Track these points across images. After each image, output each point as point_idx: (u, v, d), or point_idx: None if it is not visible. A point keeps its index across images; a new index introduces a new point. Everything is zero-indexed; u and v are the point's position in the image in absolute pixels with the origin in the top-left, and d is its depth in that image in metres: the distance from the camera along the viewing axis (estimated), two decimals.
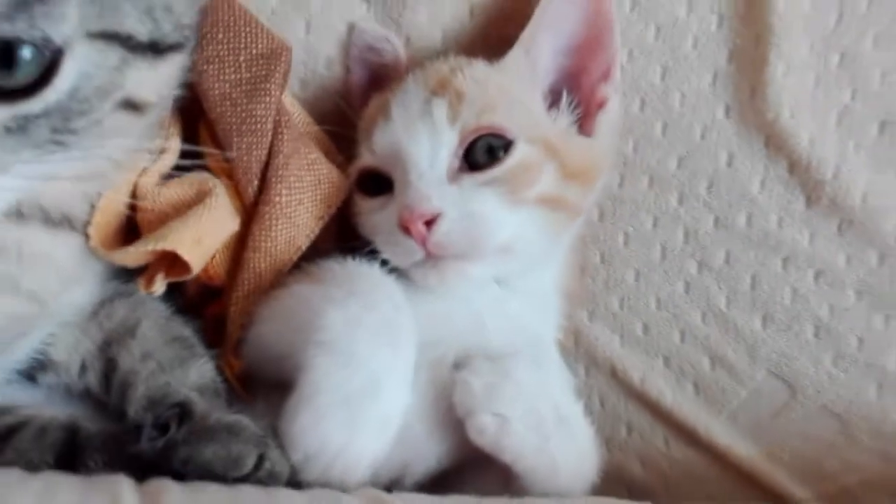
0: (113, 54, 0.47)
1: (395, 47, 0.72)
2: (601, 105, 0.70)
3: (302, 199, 0.63)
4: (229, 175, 0.63)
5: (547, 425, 0.61)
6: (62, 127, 0.47)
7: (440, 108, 0.64)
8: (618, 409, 0.82)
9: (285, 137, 0.62)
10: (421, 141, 0.64)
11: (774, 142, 0.74)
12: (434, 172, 0.64)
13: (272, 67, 0.61)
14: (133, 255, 0.58)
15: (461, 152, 0.65)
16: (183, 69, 0.54)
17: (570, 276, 0.77)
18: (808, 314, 0.77)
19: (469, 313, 0.66)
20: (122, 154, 0.54)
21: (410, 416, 0.59)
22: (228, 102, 0.61)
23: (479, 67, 0.68)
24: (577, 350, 0.82)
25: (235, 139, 0.61)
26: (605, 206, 0.79)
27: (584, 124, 0.70)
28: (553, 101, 0.69)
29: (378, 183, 0.67)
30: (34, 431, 0.56)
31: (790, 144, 0.74)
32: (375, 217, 0.66)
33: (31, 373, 0.62)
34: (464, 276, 0.65)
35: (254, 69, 0.61)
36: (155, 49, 0.48)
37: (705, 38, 0.73)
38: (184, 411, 0.56)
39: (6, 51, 0.43)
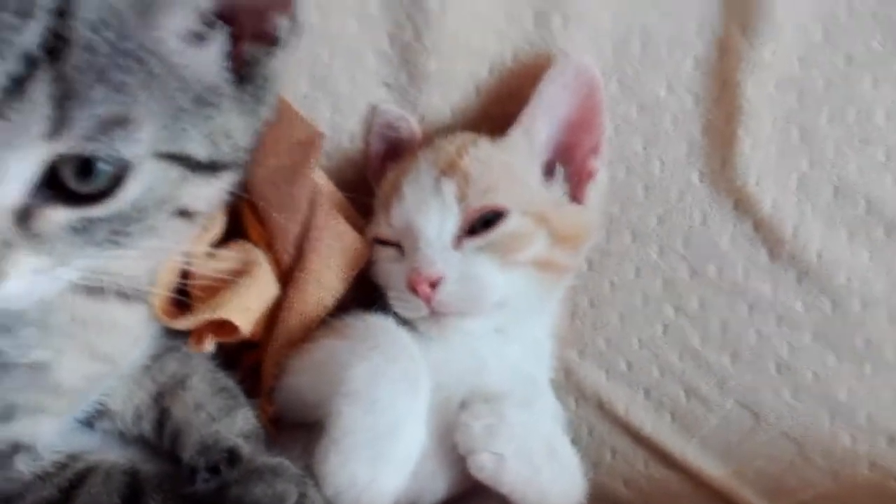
0: (174, 172, 0.53)
1: (411, 125, 0.79)
2: (590, 176, 0.79)
3: (330, 264, 0.71)
4: (268, 245, 0.70)
5: (538, 459, 0.69)
6: (120, 230, 0.52)
7: (449, 189, 0.72)
8: (603, 436, 0.91)
9: (318, 213, 0.70)
10: (431, 217, 0.72)
11: (742, 204, 0.84)
12: (440, 241, 0.72)
13: (308, 154, 0.69)
14: (191, 322, 0.65)
15: (465, 225, 0.73)
16: (235, 183, 0.60)
17: (561, 321, 0.86)
18: (770, 353, 0.87)
19: (471, 359, 0.74)
20: (174, 248, 0.61)
21: (422, 452, 0.67)
22: (270, 185, 0.68)
23: (483, 147, 0.76)
24: (568, 384, 0.91)
25: (275, 215, 0.69)
26: (594, 258, 0.88)
27: (575, 193, 0.79)
28: (548, 171, 0.78)
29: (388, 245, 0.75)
30: (102, 477, 0.62)
31: (755, 207, 0.83)
32: (388, 267, 0.74)
33: (90, 419, 0.69)
34: (463, 330, 0.73)
35: (293, 156, 0.69)
36: (212, 168, 0.55)
37: (682, 114, 0.82)
38: (233, 456, 0.63)
39: (86, 164, 0.49)
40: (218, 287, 0.66)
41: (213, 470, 0.63)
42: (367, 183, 0.80)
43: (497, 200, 0.73)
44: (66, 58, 0.46)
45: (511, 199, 0.73)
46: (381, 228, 0.75)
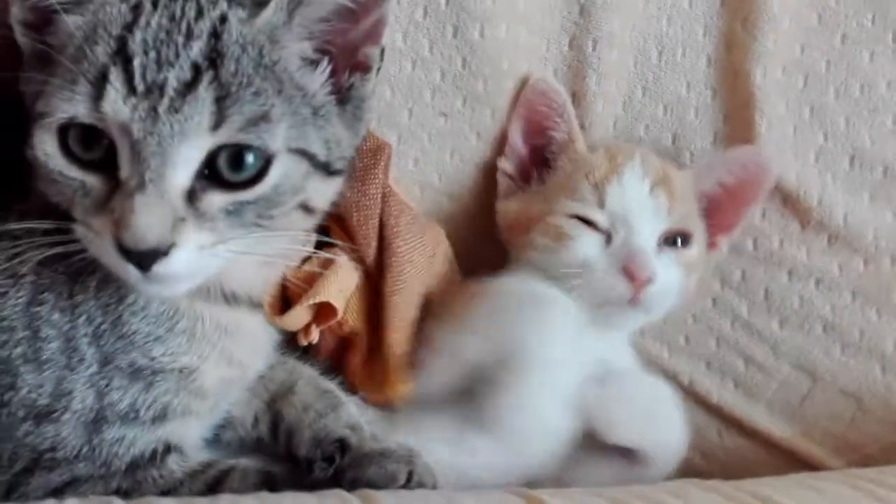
0: (302, 165, 0.64)
1: (564, 100, 0.88)
2: (714, 246, 0.91)
3: (415, 245, 0.81)
4: (350, 241, 0.81)
5: (652, 412, 0.80)
6: (263, 213, 0.64)
7: (662, 202, 0.83)
8: None
9: (392, 206, 0.81)
10: (646, 219, 0.83)
11: None
12: (650, 244, 0.83)
13: (378, 158, 0.81)
14: (297, 315, 0.76)
15: (664, 236, 0.84)
16: (338, 192, 0.72)
17: None
18: (815, 315, 0.95)
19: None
20: (293, 243, 0.73)
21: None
22: (347, 186, 0.77)
23: (679, 175, 0.87)
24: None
25: (355, 213, 0.80)
26: None
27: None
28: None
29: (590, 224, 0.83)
30: (240, 475, 0.72)
31: (781, 181, 0.93)
32: (592, 251, 0.82)
33: (217, 432, 0.78)
34: (636, 321, 0.87)
35: (364, 160, 0.80)
36: (327, 169, 0.67)
37: (703, 107, 0.93)
38: (343, 445, 0.72)
39: (238, 154, 0.61)
40: (310, 280, 0.77)
41: (328, 459, 0.72)
42: (434, 198, 0.92)
43: (689, 227, 0.85)
44: (222, 67, 0.60)
45: (695, 228, 0.86)
46: (590, 209, 0.83)
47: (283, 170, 0.63)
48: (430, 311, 0.83)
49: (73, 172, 0.61)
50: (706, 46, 0.92)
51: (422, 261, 0.83)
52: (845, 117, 0.93)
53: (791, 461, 0.96)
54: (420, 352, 0.81)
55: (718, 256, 0.93)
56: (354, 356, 0.83)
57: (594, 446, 0.79)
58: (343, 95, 0.68)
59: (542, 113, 0.88)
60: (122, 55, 0.59)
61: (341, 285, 0.78)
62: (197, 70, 0.59)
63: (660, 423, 0.80)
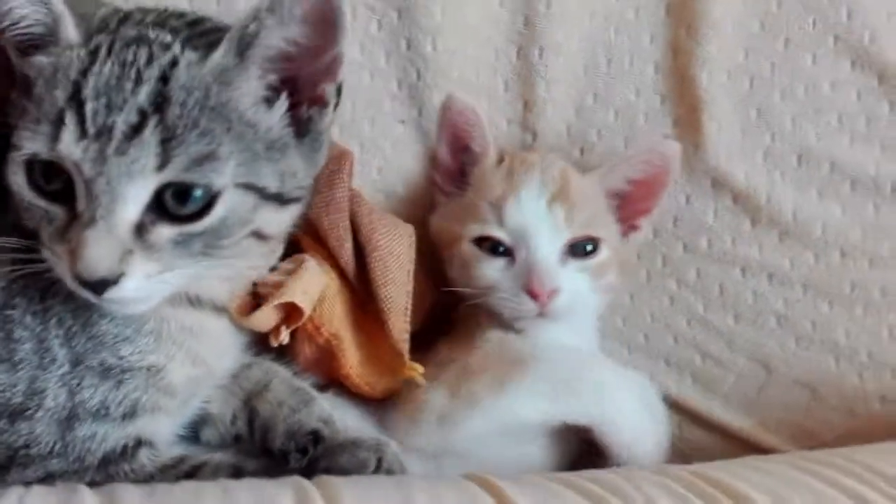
0: (250, 199, 0.68)
1: (479, 117, 0.91)
2: (636, 229, 0.94)
3: (393, 236, 0.84)
4: (322, 247, 0.84)
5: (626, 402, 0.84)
6: (211, 243, 0.68)
7: (559, 214, 0.86)
8: None
9: (361, 206, 0.85)
10: (544, 232, 0.86)
11: (718, 182, 0.97)
12: (552, 257, 0.86)
13: (342, 163, 0.85)
14: (263, 316, 0.79)
15: (568, 246, 0.87)
16: (298, 215, 0.76)
17: None
18: (768, 309, 0.99)
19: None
20: (250, 265, 0.76)
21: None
22: (315, 192, 0.81)
23: (576, 179, 0.90)
24: None
25: (325, 217, 0.84)
26: None
27: (624, 231, 0.93)
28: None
29: (494, 247, 0.87)
30: (212, 469, 0.75)
31: (730, 182, 0.97)
32: (495, 274, 0.86)
33: (195, 429, 0.83)
34: (547, 330, 0.88)
35: (330, 166, 0.83)
36: (279, 199, 0.70)
37: (653, 112, 0.97)
38: (316, 436, 0.77)
39: (184, 191, 0.65)
40: (278, 286, 0.81)
41: (302, 451, 0.77)
42: (399, 205, 0.97)
43: (593, 232, 0.88)
44: (167, 111, 0.64)
45: (602, 231, 0.89)
46: (491, 228, 0.87)
47: (230, 204, 0.66)
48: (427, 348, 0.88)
49: (39, 202, 0.66)
50: (653, 54, 0.96)
51: (402, 250, 0.85)
52: (791, 117, 0.97)
53: (749, 451, 0.99)
54: (435, 396, 0.84)
55: (642, 238, 0.96)
56: (345, 361, 0.85)
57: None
58: (301, 128, 0.72)
59: (461, 128, 0.92)
60: (77, 100, 0.63)
61: (306, 286, 0.81)
62: (143, 115, 0.63)
63: (616, 406, 0.83)
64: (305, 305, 0.80)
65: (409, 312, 0.83)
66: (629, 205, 0.92)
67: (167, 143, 0.63)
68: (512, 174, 0.89)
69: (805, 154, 0.97)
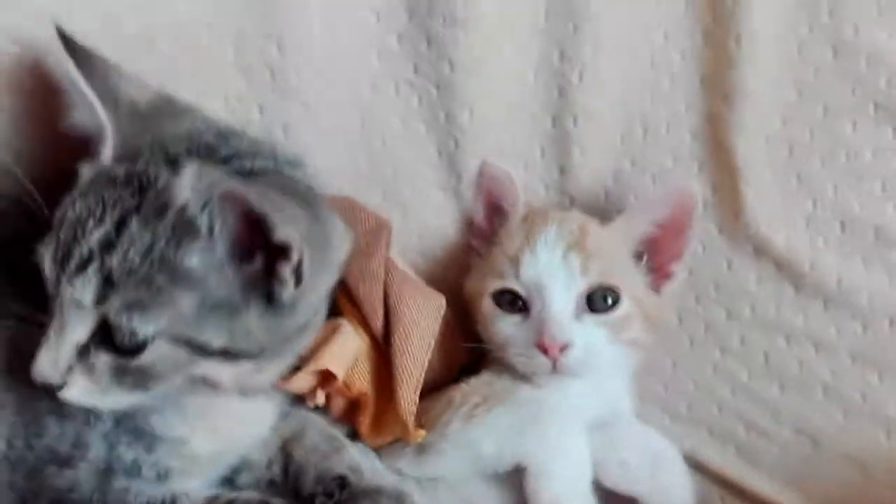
0: (182, 353, 0.71)
1: (514, 182, 0.94)
2: (670, 276, 0.93)
3: (420, 310, 0.87)
4: (358, 313, 0.88)
5: (653, 458, 0.84)
6: (142, 383, 0.71)
7: (575, 263, 0.87)
8: None
9: (394, 276, 0.89)
10: (559, 285, 0.86)
11: (760, 248, 0.98)
12: (567, 310, 0.86)
13: (380, 235, 0.90)
14: (300, 380, 0.84)
15: (585, 298, 0.88)
16: (260, 369, 0.77)
17: None
18: (814, 379, 0.98)
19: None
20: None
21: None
22: (353, 263, 0.86)
23: (596, 230, 0.91)
24: None
25: (360, 286, 0.88)
26: None
27: (655, 285, 0.92)
28: (637, 258, 0.92)
29: (513, 303, 0.89)
30: (242, 502, 0.80)
31: (772, 248, 0.97)
32: (510, 330, 0.88)
33: (232, 476, 0.86)
34: (570, 388, 0.87)
35: (367, 238, 0.89)
36: (226, 355, 0.72)
37: (691, 178, 0.98)
38: (343, 482, 0.81)
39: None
40: (315, 350, 0.85)
41: (328, 495, 0.81)
42: (438, 270, 1.00)
43: (613, 281, 0.89)
44: (111, 256, 0.68)
45: (622, 282, 0.89)
46: (509, 281, 0.89)
47: (158, 353, 0.70)
48: (440, 391, 0.90)
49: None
50: (689, 121, 0.98)
51: (427, 323, 0.89)
52: (833, 184, 0.97)
53: None
54: (431, 434, 0.86)
55: (678, 290, 0.95)
56: (365, 416, 0.90)
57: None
58: (271, 294, 0.72)
59: (495, 192, 0.95)
60: (61, 223, 0.70)
61: (341, 352, 0.86)
62: (91, 254, 0.68)
63: (662, 473, 0.83)
64: (339, 371, 0.85)
65: (419, 386, 0.86)
66: (659, 252, 0.92)
67: (108, 282, 0.68)
68: (531, 228, 0.91)
69: (848, 221, 0.96)
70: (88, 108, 0.73)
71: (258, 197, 0.65)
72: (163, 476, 0.77)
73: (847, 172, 0.96)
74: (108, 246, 0.68)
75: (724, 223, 0.99)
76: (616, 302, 0.88)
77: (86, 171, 0.73)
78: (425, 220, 1.00)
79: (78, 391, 0.71)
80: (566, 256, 0.88)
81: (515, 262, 0.89)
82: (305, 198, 0.74)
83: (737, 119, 0.95)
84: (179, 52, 0.85)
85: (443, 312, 0.90)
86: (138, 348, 0.69)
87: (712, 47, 0.96)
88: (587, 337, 0.86)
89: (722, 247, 0.99)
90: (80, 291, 0.68)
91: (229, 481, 0.87)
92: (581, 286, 0.87)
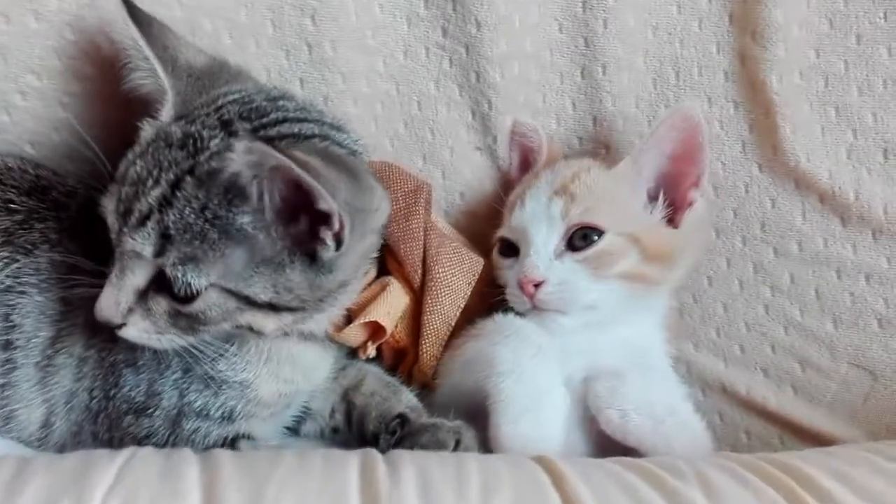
0: (231, 303, 0.80)
1: (541, 136, 1.02)
2: (689, 204, 0.95)
3: (454, 271, 0.96)
4: (400, 271, 0.97)
5: (658, 413, 0.86)
6: (195, 327, 0.81)
7: (557, 207, 0.93)
8: (735, 420, 1.07)
9: (433, 238, 0.97)
10: (541, 229, 0.94)
11: (803, 182, 1.02)
12: (545, 251, 0.94)
13: (418, 196, 0.97)
14: (352, 332, 0.93)
15: (566, 237, 0.94)
16: (301, 319, 0.84)
17: (671, 317, 1.03)
18: (868, 311, 1.01)
19: (584, 342, 0.94)
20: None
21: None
22: (393, 223, 0.95)
23: (594, 173, 0.96)
24: (691, 376, 1.07)
25: (401, 245, 0.96)
26: None
27: (673, 218, 0.96)
28: (652, 198, 0.96)
29: (511, 248, 0.97)
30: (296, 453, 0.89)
31: (815, 181, 1.01)
32: (507, 273, 0.96)
33: (297, 424, 0.96)
34: (558, 324, 0.92)
35: (406, 200, 0.97)
36: (272, 307, 0.81)
37: (727, 120, 1.03)
38: (403, 420, 0.89)
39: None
40: (366, 305, 0.95)
41: (391, 432, 0.89)
42: (481, 226, 1.08)
43: (594, 220, 0.94)
44: (167, 213, 0.77)
45: (608, 220, 0.94)
46: (504, 231, 0.98)
47: (209, 302, 0.79)
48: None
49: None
50: (721, 62, 1.03)
51: (460, 285, 0.97)
52: (872, 112, 1.00)
53: None
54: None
55: (704, 211, 0.98)
56: (406, 365, 1.00)
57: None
58: (313, 254, 0.81)
59: (526, 147, 1.03)
60: (123, 179, 0.79)
61: (390, 307, 0.95)
62: (150, 210, 0.77)
63: (665, 426, 0.86)
64: (388, 324, 0.94)
65: (444, 342, 0.95)
66: (677, 184, 0.95)
67: (164, 238, 0.77)
68: (529, 179, 0.99)
69: (891, 148, 1.00)
70: (150, 71, 0.83)
71: (304, 170, 0.72)
72: (227, 417, 0.86)
73: (886, 99, 1.00)
74: (165, 204, 0.77)
75: (763, 161, 1.03)
76: (598, 237, 0.92)
77: (147, 129, 0.82)
78: (466, 179, 1.08)
79: (136, 331, 0.80)
80: (550, 202, 0.94)
81: (511, 211, 0.98)
82: (348, 164, 0.82)
83: (768, 55, 1.00)
84: (222, 31, 0.95)
85: (477, 275, 0.98)
86: (192, 296, 0.79)
87: None
88: (564, 274, 0.92)
89: (764, 185, 1.04)
90: (141, 244, 0.77)
91: (294, 431, 0.97)
92: (561, 228, 0.93)
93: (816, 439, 1.02)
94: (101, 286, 0.81)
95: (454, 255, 0.98)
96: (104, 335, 0.86)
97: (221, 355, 0.86)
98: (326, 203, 0.75)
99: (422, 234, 0.98)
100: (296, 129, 0.83)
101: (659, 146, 0.94)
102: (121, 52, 0.84)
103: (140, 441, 0.85)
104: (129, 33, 0.83)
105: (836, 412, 1.02)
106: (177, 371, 0.86)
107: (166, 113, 0.83)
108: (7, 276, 0.85)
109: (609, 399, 0.87)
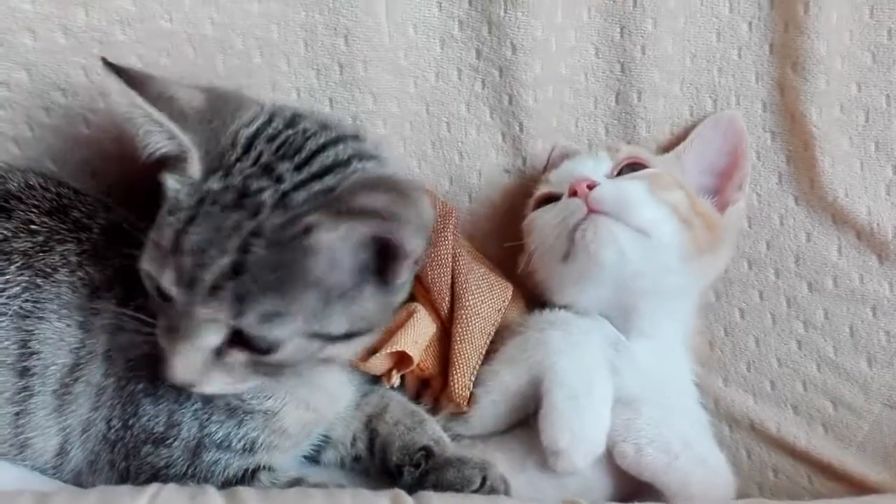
0: (315, 344, 0.80)
1: None
2: (732, 203, 0.98)
3: (483, 299, 0.95)
4: (427, 297, 0.96)
5: (674, 448, 0.85)
6: (277, 371, 0.81)
7: (604, 154, 0.95)
8: (762, 457, 1.06)
9: (461, 264, 0.96)
10: (587, 164, 0.94)
11: (840, 217, 1.01)
12: (594, 173, 0.93)
13: (446, 222, 0.97)
14: (378, 361, 0.92)
15: (616, 170, 0.94)
16: (368, 342, 0.87)
17: (696, 338, 1.01)
18: None
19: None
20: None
21: None
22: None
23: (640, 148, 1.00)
24: (719, 411, 1.07)
25: (428, 272, 0.96)
26: (719, 289, 1.06)
27: (721, 203, 0.97)
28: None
29: (548, 200, 0.95)
30: (325, 493, 0.87)
31: (853, 217, 1.00)
32: (546, 216, 0.93)
33: (317, 453, 0.95)
34: (614, 236, 0.87)
35: (434, 225, 0.95)
36: (347, 337, 0.81)
37: (764, 150, 1.03)
38: (428, 452, 0.88)
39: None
40: (391, 334, 0.93)
41: (415, 465, 0.88)
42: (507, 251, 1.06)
43: (640, 156, 0.94)
44: (243, 276, 0.75)
45: (653, 162, 0.95)
46: (542, 188, 0.97)
47: (293, 349, 0.78)
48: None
49: (156, 297, 0.79)
50: (760, 92, 1.02)
51: (490, 313, 0.96)
52: None
53: None
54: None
55: (740, 214, 1.00)
56: (430, 395, 0.98)
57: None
58: (384, 278, 0.81)
59: None
60: (177, 250, 0.76)
61: (417, 336, 0.94)
62: (224, 278, 0.75)
63: (682, 461, 0.84)
64: (414, 354, 0.93)
65: (475, 372, 0.93)
66: (721, 185, 0.98)
67: (241, 300, 0.75)
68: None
69: None
70: (167, 132, 0.79)
71: (394, 224, 0.73)
72: (249, 448, 0.85)
73: None
74: (236, 271, 0.75)
75: (800, 194, 1.03)
76: (645, 167, 0.93)
77: (176, 187, 0.79)
78: (493, 203, 1.07)
79: (217, 386, 0.79)
80: (595, 155, 0.96)
81: (549, 173, 1.00)
82: (400, 187, 0.78)
83: (809, 87, 0.99)
84: (253, 49, 0.94)
85: (507, 303, 0.97)
86: (273, 349, 0.78)
87: (780, 14, 1.01)
88: (617, 183, 0.91)
89: (800, 218, 1.03)
90: (216, 312, 0.75)
91: (314, 460, 0.96)
92: (609, 164, 0.94)
93: (846, 480, 1.01)
94: (122, 318, 0.80)
95: (483, 283, 0.97)
96: (123, 363, 0.85)
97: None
98: (410, 245, 0.76)
99: (450, 260, 0.97)
100: (334, 157, 0.81)
101: (703, 148, 0.97)
102: (126, 122, 0.80)
103: (158, 471, 0.84)
104: (131, 101, 0.78)
105: (867, 453, 1.01)
106: (197, 402, 0.85)
107: (194, 168, 0.79)
108: (26, 301, 0.84)
109: (624, 433, 0.85)
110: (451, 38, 1.00)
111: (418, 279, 0.98)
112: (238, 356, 0.78)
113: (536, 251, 0.94)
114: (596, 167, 0.94)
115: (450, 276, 0.97)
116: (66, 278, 0.85)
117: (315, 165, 0.80)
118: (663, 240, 0.89)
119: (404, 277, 0.81)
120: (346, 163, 0.81)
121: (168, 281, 0.76)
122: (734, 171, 0.97)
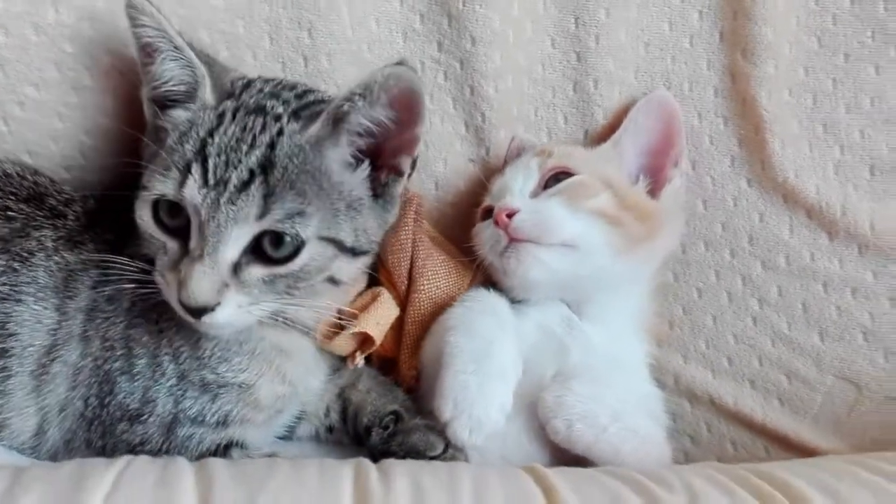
0: (329, 250, 0.85)
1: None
2: (667, 181, 1.00)
3: (439, 284, 0.99)
4: (390, 281, 1.00)
5: (601, 421, 0.87)
6: (292, 284, 0.84)
7: (535, 163, 0.98)
8: (721, 431, 1.09)
9: (420, 250, 1.00)
10: (518, 178, 0.98)
11: (790, 197, 1.04)
12: (521, 193, 0.96)
13: (407, 209, 1.00)
14: (342, 341, 0.95)
15: (541, 183, 0.96)
16: (368, 264, 0.93)
17: (654, 319, 1.05)
18: (854, 324, 1.03)
19: (555, 342, 0.95)
20: (325, 305, 0.91)
21: (516, 425, 0.90)
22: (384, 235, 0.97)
23: (576, 147, 1.03)
24: (679, 388, 1.09)
25: (390, 256, 1.00)
26: (677, 270, 1.09)
27: (653, 191, 1.00)
28: (635, 177, 1.00)
29: (489, 212, 0.98)
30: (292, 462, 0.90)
31: (802, 196, 1.03)
32: (483, 234, 0.97)
33: (290, 431, 0.99)
34: (538, 260, 0.91)
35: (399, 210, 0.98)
36: (353, 251, 0.87)
37: (717, 135, 1.06)
38: (397, 417, 0.92)
39: (278, 238, 0.81)
40: (356, 316, 0.96)
41: (384, 427, 0.93)
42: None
43: (568, 164, 0.97)
44: (271, 173, 0.81)
45: (582, 168, 0.97)
46: (487, 199, 1.01)
47: (312, 253, 0.83)
48: None
49: (159, 235, 0.84)
50: (711, 78, 1.05)
51: (444, 298, 0.99)
52: (859, 129, 1.03)
53: None
54: None
55: (676, 193, 1.01)
56: (395, 375, 1.02)
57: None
58: (379, 191, 0.89)
59: None
60: (203, 154, 0.81)
61: (379, 318, 0.97)
62: (252, 174, 0.80)
63: (611, 434, 0.86)
64: (377, 335, 0.96)
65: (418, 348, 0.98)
66: (658, 164, 1.00)
67: (268, 198, 0.80)
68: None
69: (877, 164, 1.03)
70: (182, 61, 0.85)
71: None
72: (222, 422, 0.88)
73: (873, 117, 1.03)
74: (267, 165, 0.81)
75: (752, 176, 1.06)
76: (569, 176, 0.96)
77: (187, 115, 0.85)
78: (459, 191, 1.10)
79: (230, 309, 0.82)
80: (528, 163, 0.99)
81: (490, 185, 1.03)
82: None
83: (759, 72, 1.02)
84: (220, 43, 0.97)
85: (464, 289, 1.00)
86: (293, 253, 0.82)
87: (729, 3, 1.04)
88: (538, 205, 0.94)
89: (753, 199, 1.06)
90: (245, 209, 0.80)
91: (288, 439, 1.00)
92: (536, 177, 0.97)
93: (802, 451, 1.04)
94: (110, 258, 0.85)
95: (441, 268, 1.01)
96: (99, 344, 0.88)
97: (227, 359, 0.89)
98: (421, 127, 0.86)
99: (410, 245, 1.00)
100: (322, 94, 0.91)
101: (637, 132, 1.00)
102: (145, 47, 0.85)
103: (133, 448, 0.87)
104: (159, 26, 0.83)
105: (821, 424, 1.04)
106: (171, 378, 0.88)
107: (207, 95, 0.85)
108: (3, 284, 0.87)
109: (556, 409, 0.88)
110: (412, 31, 1.03)
111: (383, 263, 1.01)
112: (254, 271, 0.82)
113: (483, 261, 0.98)
114: (525, 182, 0.97)
115: (409, 262, 1.00)
116: (42, 262, 0.89)
117: (310, 96, 0.88)
118: (592, 246, 0.93)
119: (402, 183, 0.90)
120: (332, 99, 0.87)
121: (193, 187, 0.80)
122: (670, 150, 1.00)
